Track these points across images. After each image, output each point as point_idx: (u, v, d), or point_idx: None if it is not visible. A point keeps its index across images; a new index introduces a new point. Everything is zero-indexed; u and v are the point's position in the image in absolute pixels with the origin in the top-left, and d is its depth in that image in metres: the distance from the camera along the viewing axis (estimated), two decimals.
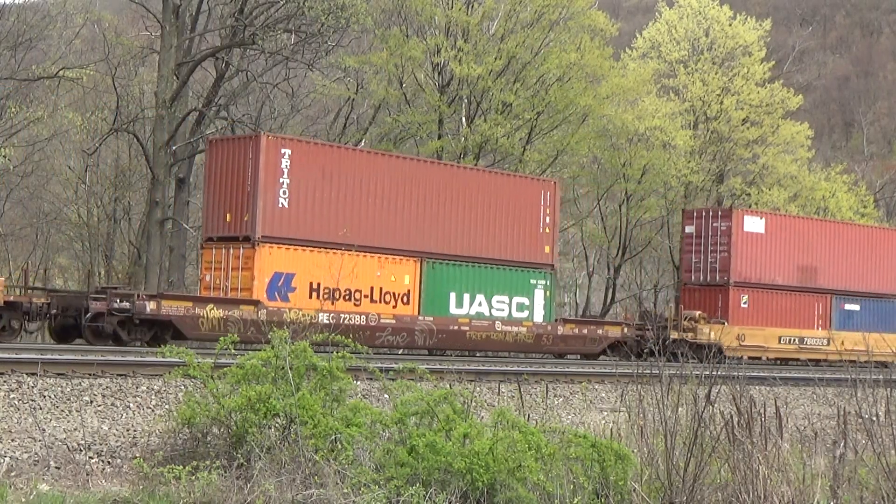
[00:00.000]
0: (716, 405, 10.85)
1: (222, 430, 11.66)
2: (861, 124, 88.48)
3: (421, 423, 11.17)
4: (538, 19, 39.14)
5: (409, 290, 27.68)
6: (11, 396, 14.10)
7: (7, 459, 11.78)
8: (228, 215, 25.71)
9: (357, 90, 40.11)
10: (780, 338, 34.75)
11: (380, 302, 27.10)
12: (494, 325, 28.96)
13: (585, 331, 31.11)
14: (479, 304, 28.93)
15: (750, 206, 45.98)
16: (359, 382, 16.71)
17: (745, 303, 34.63)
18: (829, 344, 34.69)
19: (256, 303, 24.84)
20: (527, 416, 13.48)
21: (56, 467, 11.92)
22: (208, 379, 11.97)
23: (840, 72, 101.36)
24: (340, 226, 26.28)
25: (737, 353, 32.25)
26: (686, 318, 33.49)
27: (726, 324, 33.81)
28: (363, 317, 26.49)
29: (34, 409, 13.77)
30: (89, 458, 12.30)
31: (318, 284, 25.89)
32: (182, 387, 15.10)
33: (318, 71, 38.63)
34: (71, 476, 11.70)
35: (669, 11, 50.02)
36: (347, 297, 26.47)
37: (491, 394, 18.71)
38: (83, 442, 12.60)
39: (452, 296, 28.45)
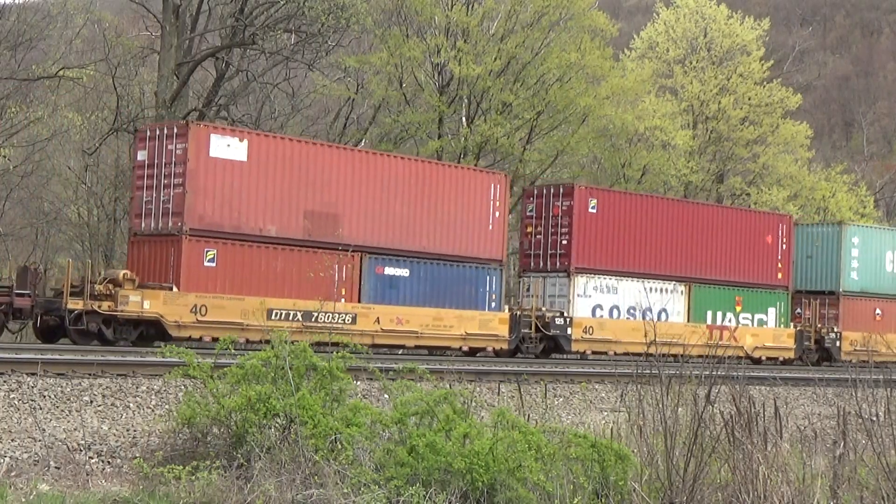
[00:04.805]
0: (715, 405, 10.86)
1: (222, 430, 11.66)
2: (861, 124, 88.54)
3: (421, 423, 11.17)
4: (538, 20, 39.14)
5: None
6: (11, 396, 14.10)
7: (7, 459, 11.78)
8: None
9: (357, 90, 40.11)
10: (270, 312, 24.66)
11: None
12: None
13: None
14: None
15: (750, 207, 45.39)
16: (359, 382, 16.72)
17: (210, 260, 24.53)
18: (355, 322, 26.08)
19: None
20: (527, 416, 13.51)
21: (56, 467, 11.93)
22: (208, 379, 11.98)
23: (840, 72, 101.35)
24: None
25: (189, 332, 23.89)
26: (104, 280, 23.47)
27: (175, 289, 23.88)
28: None
29: (34, 409, 13.77)
30: (89, 458, 12.31)
31: None
32: (182, 387, 15.09)
33: (318, 71, 38.64)
34: (71, 476, 11.71)
35: (667, 11, 50.06)
36: None
37: (491, 394, 18.72)
38: (83, 442, 12.61)
39: None
